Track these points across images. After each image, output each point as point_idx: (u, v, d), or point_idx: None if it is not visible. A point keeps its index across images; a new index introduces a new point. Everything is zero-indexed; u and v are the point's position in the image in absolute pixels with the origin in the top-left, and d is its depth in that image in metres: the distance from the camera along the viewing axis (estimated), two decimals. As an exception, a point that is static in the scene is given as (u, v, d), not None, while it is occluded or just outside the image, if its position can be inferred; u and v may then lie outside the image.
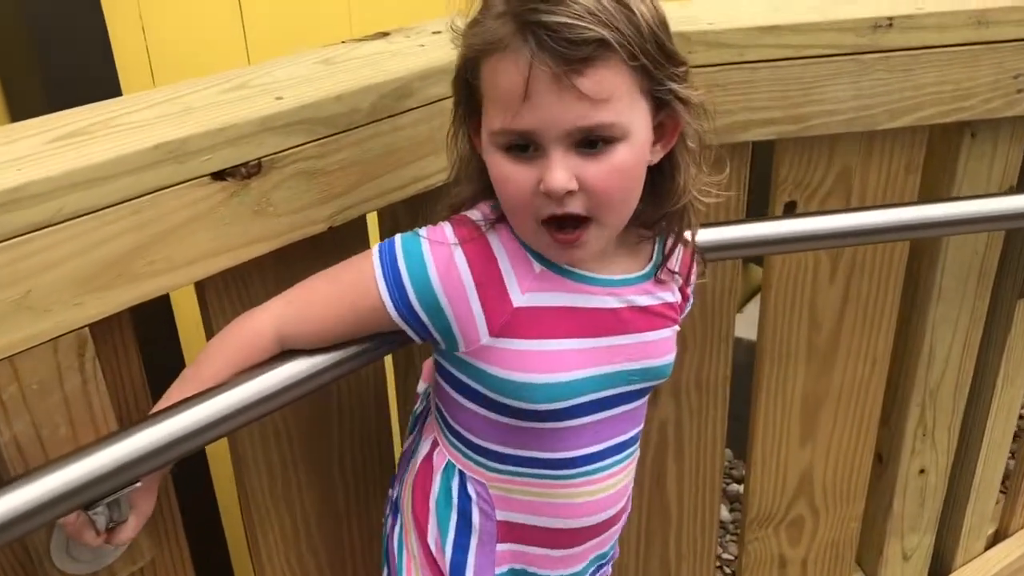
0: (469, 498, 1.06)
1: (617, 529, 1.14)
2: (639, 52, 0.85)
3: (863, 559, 1.88)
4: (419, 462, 1.11)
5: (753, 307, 1.59)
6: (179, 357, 1.52)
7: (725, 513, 2.62)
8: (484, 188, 0.98)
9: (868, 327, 1.55)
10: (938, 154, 1.46)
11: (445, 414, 1.07)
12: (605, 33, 0.82)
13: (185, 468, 1.09)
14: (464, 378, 1.01)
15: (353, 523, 1.31)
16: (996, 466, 1.85)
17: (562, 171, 0.86)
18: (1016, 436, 1.91)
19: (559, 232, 0.91)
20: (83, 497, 0.85)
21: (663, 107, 0.90)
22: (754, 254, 1.32)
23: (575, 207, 0.88)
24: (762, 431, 1.62)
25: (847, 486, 1.72)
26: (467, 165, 1.00)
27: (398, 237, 0.97)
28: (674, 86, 0.89)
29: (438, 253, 0.94)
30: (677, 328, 1.06)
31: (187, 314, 1.52)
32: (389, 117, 1.08)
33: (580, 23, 0.82)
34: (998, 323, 1.65)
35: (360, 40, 1.21)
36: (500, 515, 1.06)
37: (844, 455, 1.68)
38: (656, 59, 0.87)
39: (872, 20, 1.26)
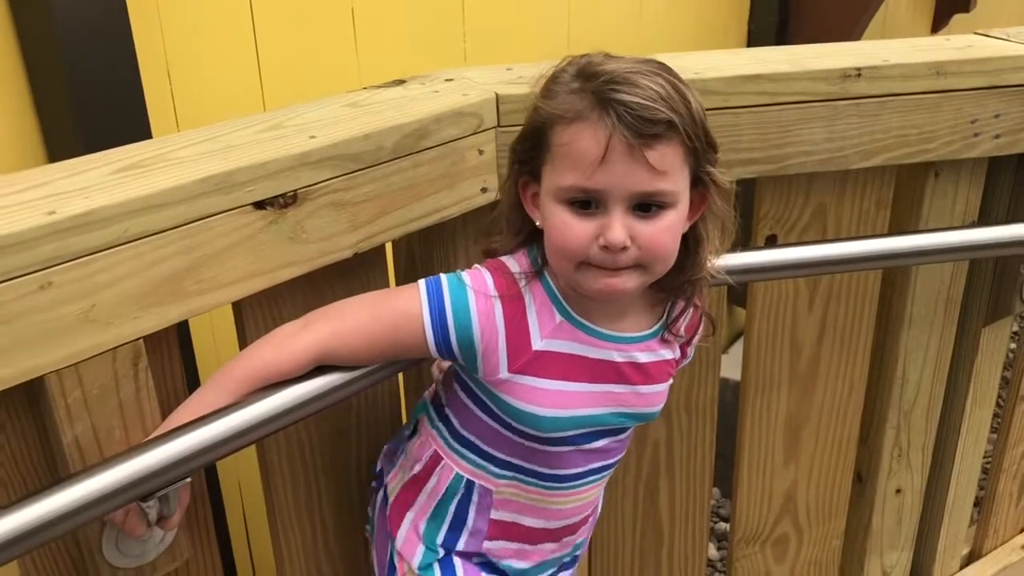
0: (469, 503, 1.19)
1: (582, 532, 1.28)
2: (693, 136, 1.01)
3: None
4: (413, 476, 1.22)
5: (738, 348, 1.69)
6: (195, 373, 1.61)
7: (713, 551, 2.69)
8: (522, 242, 1.12)
9: (845, 352, 1.67)
10: (906, 191, 1.59)
11: (457, 428, 1.19)
12: (673, 117, 0.98)
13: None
14: (482, 395, 1.15)
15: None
16: (968, 486, 1.95)
17: (621, 228, 1.00)
18: (986, 459, 2.02)
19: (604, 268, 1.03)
20: (141, 489, 0.94)
21: (697, 184, 1.06)
22: (740, 280, 1.43)
23: (625, 262, 1.02)
24: (748, 452, 1.72)
25: (828, 504, 1.82)
26: (510, 217, 1.12)
27: (445, 284, 1.09)
28: (711, 169, 1.05)
29: (481, 305, 1.08)
30: (671, 381, 1.20)
31: (203, 336, 1.62)
32: (410, 155, 1.19)
33: (653, 105, 0.97)
34: (966, 348, 1.77)
35: (380, 87, 1.32)
36: (495, 514, 1.20)
37: (825, 474, 1.78)
38: (704, 144, 1.03)
39: (842, 71, 1.40)
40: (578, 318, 1.10)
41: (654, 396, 1.17)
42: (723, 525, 2.66)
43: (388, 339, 1.09)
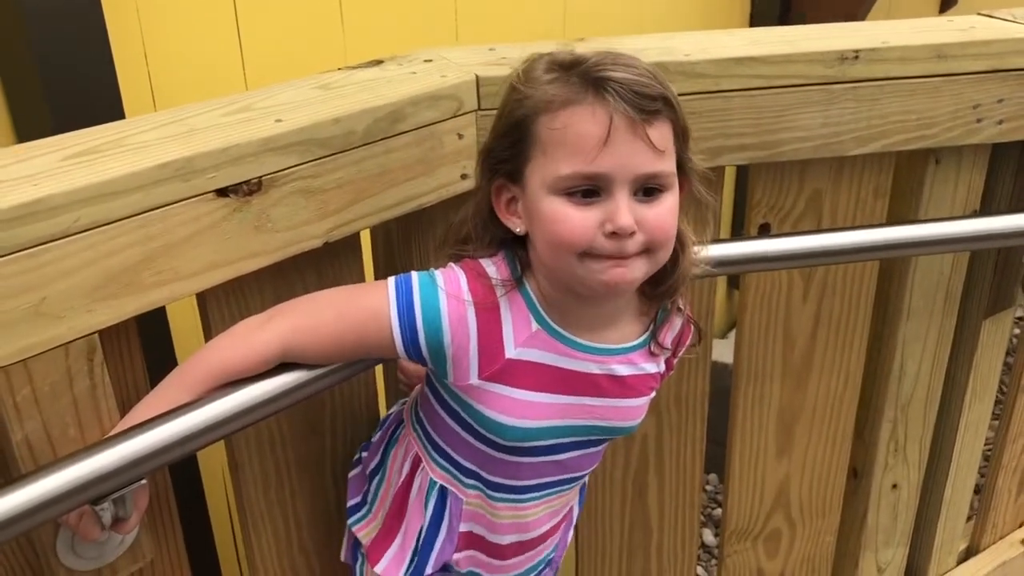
0: (444, 510, 1.15)
1: (556, 537, 1.24)
2: (680, 116, 0.97)
3: (838, 573, 1.92)
4: (402, 478, 1.19)
5: (737, 333, 1.67)
6: (173, 361, 1.57)
7: (710, 537, 2.66)
8: (496, 251, 1.06)
9: (840, 344, 1.62)
10: (904, 179, 1.54)
11: (432, 434, 1.15)
12: (667, 93, 0.95)
13: (176, 474, 1.15)
14: (450, 400, 1.10)
15: (344, 527, 1.36)
16: (966, 482, 1.91)
17: (629, 213, 0.95)
18: (985, 455, 1.97)
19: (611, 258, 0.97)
20: (93, 492, 0.90)
21: (678, 171, 1.01)
22: (731, 272, 1.38)
23: (633, 248, 0.96)
24: (739, 445, 1.68)
25: (822, 499, 1.77)
26: (483, 228, 1.06)
27: (415, 283, 1.03)
28: (691, 156, 1.01)
29: (453, 309, 1.02)
30: (652, 395, 1.15)
31: (181, 320, 1.58)
32: (383, 139, 1.14)
33: (647, 80, 0.94)
34: (965, 342, 1.72)
35: (355, 67, 1.27)
36: (464, 527, 1.16)
37: (819, 469, 1.74)
38: (687, 130, 0.99)
39: (839, 53, 1.34)
40: (556, 327, 1.05)
41: (632, 410, 1.12)
42: (721, 511, 2.63)
43: (353, 338, 1.04)
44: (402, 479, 1.19)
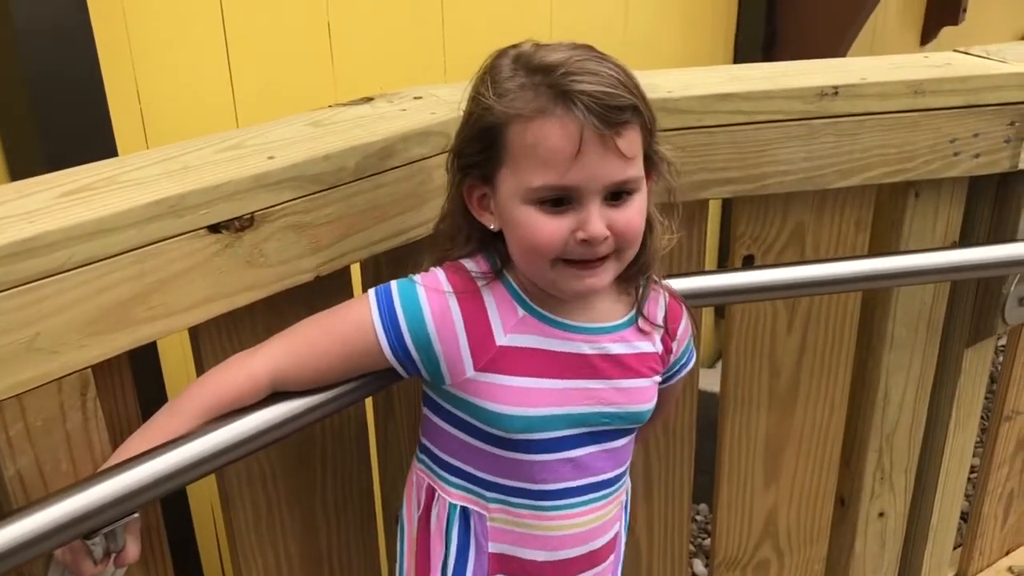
0: (468, 533, 1.14)
1: (604, 568, 1.20)
2: (649, 118, 1.00)
3: (828, 602, 1.93)
4: (419, 513, 1.18)
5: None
6: (163, 395, 1.58)
7: (701, 567, 2.65)
8: (475, 249, 1.09)
9: (825, 374, 1.64)
10: (885, 212, 1.56)
11: (440, 454, 1.15)
12: (636, 101, 0.97)
13: (166, 513, 1.15)
14: (450, 407, 1.10)
15: (334, 562, 1.36)
16: (952, 510, 1.92)
17: (600, 220, 0.98)
18: (970, 482, 1.99)
19: (582, 264, 1.00)
20: (84, 527, 0.91)
21: (645, 162, 1.04)
22: (716, 303, 1.40)
23: (604, 252, 1.00)
24: (727, 474, 1.69)
25: (810, 528, 1.78)
26: (459, 225, 1.09)
27: (393, 284, 1.06)
28: (658, 147, 1.04)
29: (434, 300, 1.04)
30: (657, 379, 1.15)
31: (172, 354, 1.59)
32: (373, 175, 1.16)
33: (616, 91, 0.96)
34: (948, 371, 1.74)
35: (346, 104, 1.30)
36: (492, 547, 1.14)
37: (807, 497, 1.75)
38: (654, 124, 1.02)
39: (819, 89, 1.37)
40: (541, 311, 1.07)
41: (637, 392, 1.12)
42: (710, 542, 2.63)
43: (340, 351, 1.05)
44: (419, 515, 1.18)
